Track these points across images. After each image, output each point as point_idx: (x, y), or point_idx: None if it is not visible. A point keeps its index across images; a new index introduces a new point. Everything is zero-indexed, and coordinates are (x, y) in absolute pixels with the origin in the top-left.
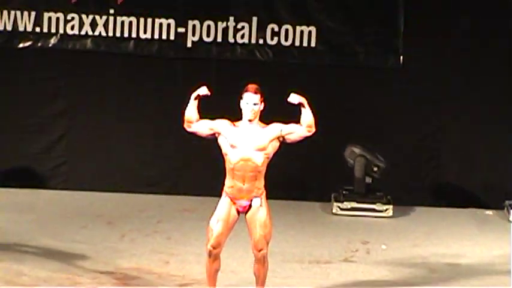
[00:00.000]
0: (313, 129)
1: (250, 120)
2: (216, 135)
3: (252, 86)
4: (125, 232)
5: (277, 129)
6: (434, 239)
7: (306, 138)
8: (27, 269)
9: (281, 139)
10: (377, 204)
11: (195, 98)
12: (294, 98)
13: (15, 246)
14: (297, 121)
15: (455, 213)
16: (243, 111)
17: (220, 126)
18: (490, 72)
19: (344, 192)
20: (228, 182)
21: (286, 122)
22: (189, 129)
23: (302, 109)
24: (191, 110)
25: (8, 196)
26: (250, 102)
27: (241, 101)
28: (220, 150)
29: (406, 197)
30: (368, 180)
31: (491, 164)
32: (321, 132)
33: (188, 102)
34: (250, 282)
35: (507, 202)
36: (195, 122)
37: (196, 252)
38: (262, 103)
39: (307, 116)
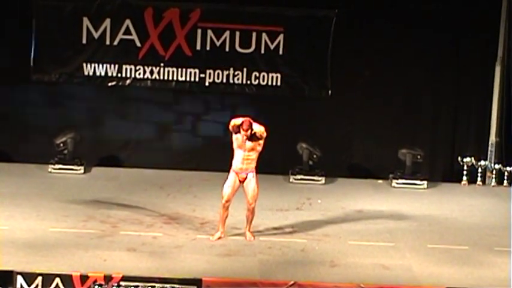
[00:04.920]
0: (265, 133)
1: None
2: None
3: (246, 122)
4: (169, 192)
5: (260, 140)
6: (348, 197)
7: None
8: (112, 213)
9: (261, 142)
10: (315, 176)
11: (238, 121)
12: (254, 127)
13: (106, 200)
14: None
15: (361, 181)
16: (242, 133)
17: (234, 136)
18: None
19: (296, 169)
20: (236, 163)
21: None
22: (231, 128)
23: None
24: (237, 122)
25: (102, 172)
26: (245, 130)
27: (241, 131)
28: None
29: (332, 172)
30: (310, 162)
31: (381, 152)
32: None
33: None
34: (243, 222)
35: (390, 175)
36: (232, 126)
37: (211, 204)
38: (251, 130)
39: (260, 129)
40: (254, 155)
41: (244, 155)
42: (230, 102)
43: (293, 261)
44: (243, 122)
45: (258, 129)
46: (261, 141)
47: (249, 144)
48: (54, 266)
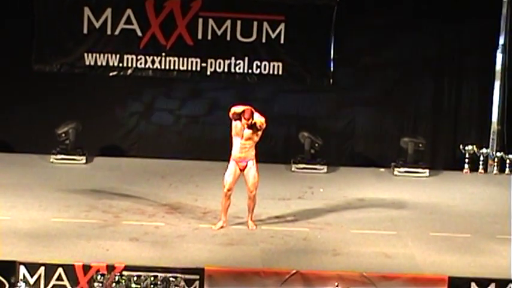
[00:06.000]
0: (264, 124)
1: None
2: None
3: (247, 111)
4: (171, 182)
5: (258, 131)
6: (350, 185)
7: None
8: (114, 203)
9: (259, 133)
10: (317, 165)
11: (239, 109)
12: (255, 117)
13: (108, 190)
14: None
15: (363, 170)
16: (242, 122)
17: (233, 123)
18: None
19: (298, 158)
20: (234, 151)
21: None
22: (231, 116)
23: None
24: (238, 110)
25: (104, 161)
26: (246, 119)
27: (242, 118)
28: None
29: (334, 161)
30: (312, 151)
31: (383, 141)
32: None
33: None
34: (245, 211)
35: (392, 163)
36: (233, 113)
37: (213, 194)
38: (251, 119)
39: (260, 119)
40: (251, 145)
41: (241, 143)
42: (230, 90)
43: (295, 250)
44: (244, 111)
45: (259, 119)
46: (260, 132)
47: (247, 132)
48: (57, 256)
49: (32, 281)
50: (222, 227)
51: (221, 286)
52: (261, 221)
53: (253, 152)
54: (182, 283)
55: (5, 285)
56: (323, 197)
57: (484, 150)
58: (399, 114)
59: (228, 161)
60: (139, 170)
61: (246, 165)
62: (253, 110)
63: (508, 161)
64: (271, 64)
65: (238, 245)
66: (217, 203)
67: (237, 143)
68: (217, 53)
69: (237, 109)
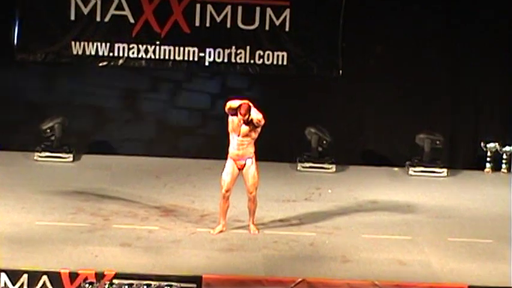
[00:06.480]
0: (262, 121)
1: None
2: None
3: (244, 106)
4: (166, 182)
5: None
6: (361, 186)
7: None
8: (103, 205)
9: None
10: (325, 164)
11: (235, 103)
12: (252, 113)
13: (97, 190)
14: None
15: (375, 169)
16: (239, 117)
17: (230, 118)
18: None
19: (305, 156)
20: (231, 149)
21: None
22: (226, 111)
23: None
24: (234, 104)
25: (93, 159)
26: (243, 115)
27: (238, 113)
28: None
29: (343, 159)
30: (319, 149)
31: (397, 138)
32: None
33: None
34: (246, 214)
35: (407, 162)
36: (228, 108)
37: (211, 195)
38: (248, 115)
39: (257, 116)
40: (249, 142)
41: (238, 140)
42: (230, 82)
43: (301, 257)
44: (240, 106)
45: (256, 116)
46: (258, 129)
47: (244, 129)
48: (41, 263)
49: None
50: (221, 231)
51: None
52: (264, 225)
53: (252, 149)
54: None
55: None
56: (331, 198)
57: (507, 148)
58: (414, 107)
59: (225, 159)
60: (131, 169)
61: (245, 164)
62: (250, 104)
63: None
64: (275, 54)
65: (239, 250)
66: (216, 205)
67: (234, 139)
68: (216, 42)
69: (233, 103)
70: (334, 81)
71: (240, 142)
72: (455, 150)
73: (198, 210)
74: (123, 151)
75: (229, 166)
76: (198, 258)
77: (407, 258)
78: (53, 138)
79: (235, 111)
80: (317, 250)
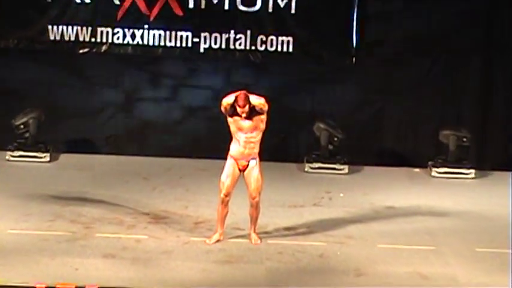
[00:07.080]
0: (266, 105)
1: (246, 117)
2: (228, 117)
3: (240, 97)
4: (156, 185)
5: (261, 115)
6: (378, 189)
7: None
8: (85, 211)
9: (264, 117)
10: (336, 164)
11: (231, 98)
12: (252, 99)
13: (77, 194)
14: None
15: (393, 170)
16: (238, 110)
17: (229, 119)
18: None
19: (313, 156)
20: (234, 147)
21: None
22: (222, 109)
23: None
24: (230, 99)
25: (73, 159)
26: (242, 107)
27: (237, 107)
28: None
29: (358, 159)
30: (330, 147)
31: (419, 135)
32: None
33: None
34: (247, 221)
35: (429, 162)
36: (225, 107)
37: (207, 200)
38: (248, 105)
39: (259, 101)
40: (258, 136)
41: (245, 137)
42: (229, 72)
43: (309, 270)
44: (237, 98)
45: (257, 101)
46: (263, 116)
47: (249, 123)
48: (15, 276)
49: None
50: (218, 241)
51: None
52: (267, 234)
53: (257, 149)
54: None
55: None
56: (344, 203)
57: None
58: (438, 101)
59: (224, 159)
60: (115, 170)
61: (248, 165)
62: (246, 93)
63: None
64: (280, 39)
65: (238, 262)
66: (213, 211)
67: (240, 138)
68: (213, 26)
69: (228, 99)
70: (347, 69)
71: (248, 139)
72: (484, 148)
73: (192, 216)
74: (107, 150)
75: (230, 167)
76: (192, 271)
77: (430, 271)
78: (27, 135)
79: (233, 109)
80: (327, 262)
